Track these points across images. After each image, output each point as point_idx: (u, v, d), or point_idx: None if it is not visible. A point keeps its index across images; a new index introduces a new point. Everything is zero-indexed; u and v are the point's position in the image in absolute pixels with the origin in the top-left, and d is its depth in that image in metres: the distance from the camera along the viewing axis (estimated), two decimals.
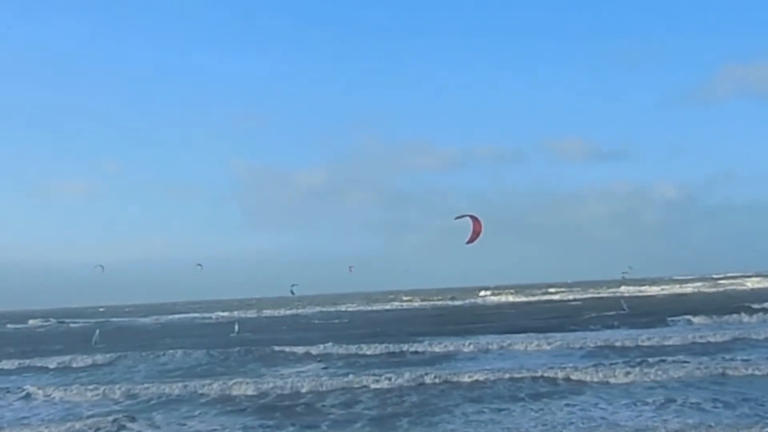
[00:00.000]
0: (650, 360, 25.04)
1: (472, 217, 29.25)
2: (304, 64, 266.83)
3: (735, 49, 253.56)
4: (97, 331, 45.45)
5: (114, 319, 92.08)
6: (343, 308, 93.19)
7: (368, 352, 31.67)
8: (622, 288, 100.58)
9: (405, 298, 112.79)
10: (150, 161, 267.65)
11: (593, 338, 32.71)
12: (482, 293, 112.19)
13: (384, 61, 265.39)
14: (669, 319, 41.61)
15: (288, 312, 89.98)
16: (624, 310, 50.20)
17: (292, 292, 57.56)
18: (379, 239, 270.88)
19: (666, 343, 30.01)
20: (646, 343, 30.10)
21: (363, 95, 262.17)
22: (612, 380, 21.28)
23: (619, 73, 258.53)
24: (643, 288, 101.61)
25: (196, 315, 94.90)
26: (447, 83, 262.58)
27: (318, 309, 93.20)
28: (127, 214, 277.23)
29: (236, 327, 50.06)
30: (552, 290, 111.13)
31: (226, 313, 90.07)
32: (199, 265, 56.07)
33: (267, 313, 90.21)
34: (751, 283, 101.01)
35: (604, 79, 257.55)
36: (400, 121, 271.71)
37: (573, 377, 21.92)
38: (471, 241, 29.12)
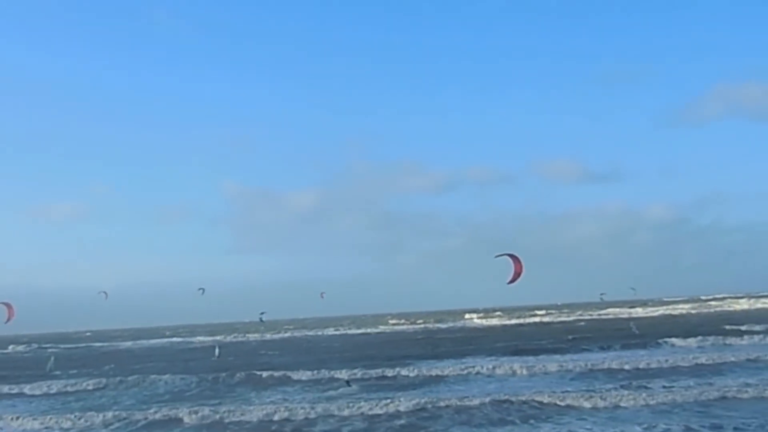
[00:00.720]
0: (638, 382, 25.12)
1: (512, 256, 29.40)
2: (295, 86, 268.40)
3: (725, 68, 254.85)
4: (52, 358, 44.67)
5: (97, 344, 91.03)
6: (331, 332, 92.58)
7: (357, 376, 31.30)
8: (609, 310, 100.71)
9: (392, 322, 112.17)
10: (140, 184, 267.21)
11: (582, 360, 32.63)
12: (468, 316, 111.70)
13: (375, 84, 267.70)
14: (657, 341, 41.55)
15: (275, 336, 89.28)
16: (635, 332, 49.73)
17: (261, 320, 56.79)
18: (370, 261, 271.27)
19: (654, 365, 29.94)
20: (635, 366, 29.97)
21: (354, 117, 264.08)
22: (600, 404, 21.17)
23: (609, 95, 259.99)
24: (632, 309, 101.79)
25: (180, 339, 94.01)
26: (438, 105, 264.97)
27: (306, 333, 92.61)
28: (117, 237, 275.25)
29: (217, 351, 49.54)
30: (541, 312, 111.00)
31: (210, 338, 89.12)
32: (201, 289, 55.53)
33: (253, 337, 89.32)
34: (739, 305, 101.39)
35: (595, 100, 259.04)
36: (391, 143, 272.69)
37: (561, 401, 21.80)
38: (512, 281, 29.29)
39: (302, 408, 22.57)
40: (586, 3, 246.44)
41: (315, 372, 32.70)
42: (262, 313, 55.98)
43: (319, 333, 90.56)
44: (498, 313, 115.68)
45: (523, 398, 22.38)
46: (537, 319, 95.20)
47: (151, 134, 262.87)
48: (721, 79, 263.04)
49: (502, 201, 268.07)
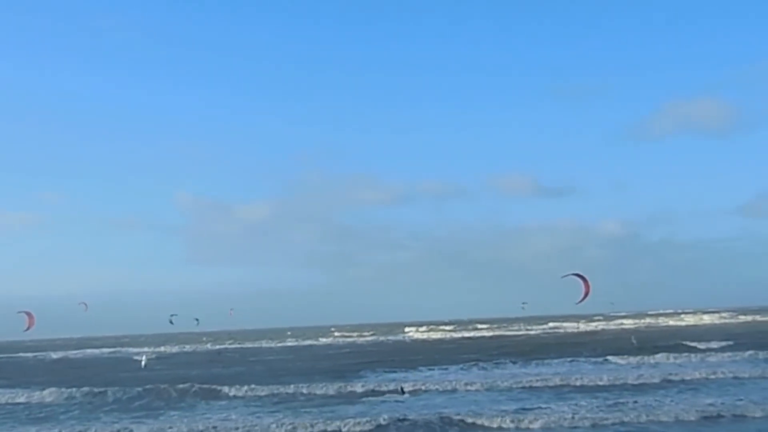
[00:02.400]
0: (577, 399, 24.21)
1: (580, 276, 31.00)
2: (249, 97, 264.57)
3: (676, 85, 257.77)
4: None
5: (24, 354, 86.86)
6: (273, 344, 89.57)
7: (303, 391, 29.64)
8: (551, 324, 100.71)
9: (337, 334, 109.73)
10: (93, 194, 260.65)
11: (522, 376, 31.71)
12: (407, 329, 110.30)
13: (329, 96, 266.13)
14: (598, 358, 39.82)
15: (217, 347, 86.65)
16: (634, 343, 49.00)
17: (171, 322, 55.96)
18: (323, 274, 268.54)
19: (594, 382, 28.81)
20: (579, 382, 28.87)
21: (309, 129, 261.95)
22: (534, 425, 20.20)
23: (563, 110, 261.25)
24: (579, 324, 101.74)
25: (112, 350, 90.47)
26: (393, 118, 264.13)
27: (246, 345, 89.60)
28: (70, 246, 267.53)
29: (143, 362, 48.02)
30: (484, 326, 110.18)
31: (138, 349, 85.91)
32: (197, 319, 54.67)
33: (202, 347, 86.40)
34: (673, 320, 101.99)
35: (549, 115, 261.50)
36: (345, 156, 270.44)
37: (496, 422, 20.77)
38: (581, 301, 31.48)
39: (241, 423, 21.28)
40: (540, 19, 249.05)
41: (256, 386, 30.75)
42: (173, 315, 54.72)
43: (258, 345, 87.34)
44: (445, 326, 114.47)
45: (455, 417, 21.32)
46: (484, 333, 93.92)
47: (105, 145, 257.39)
48: (672, 96, 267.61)
49: (457, 214, 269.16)
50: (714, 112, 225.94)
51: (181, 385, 31.69)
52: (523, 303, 66.18)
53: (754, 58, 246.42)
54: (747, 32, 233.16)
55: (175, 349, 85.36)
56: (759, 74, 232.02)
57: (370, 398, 27.20)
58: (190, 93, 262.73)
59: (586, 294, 31.12)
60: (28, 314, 42.34)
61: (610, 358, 39.46)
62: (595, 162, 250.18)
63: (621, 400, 23.28)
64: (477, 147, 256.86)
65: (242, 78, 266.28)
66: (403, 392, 28.03)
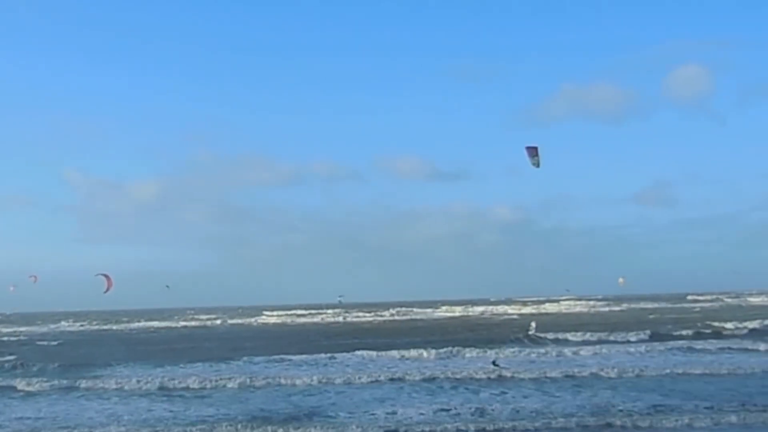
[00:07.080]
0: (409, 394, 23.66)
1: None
2: (138, 74, 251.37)
3: (572, 69, 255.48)
4: None
5: None
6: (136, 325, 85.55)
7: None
8: (417, 309, 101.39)
9: (201, 317, 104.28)
10: None
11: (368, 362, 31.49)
12: (267, 313, 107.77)
13: (220, 74, 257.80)
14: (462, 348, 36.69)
15: (92, 327, 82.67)
16: (534, 329, 45.71)
17: None
18: (214, 255, 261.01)
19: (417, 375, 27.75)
20: (412, 377, 27.67)
21: (199, 108, 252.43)
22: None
23: (459, 92, 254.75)
24: (428, 310, 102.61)
25: None
26: (284, 99, 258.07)
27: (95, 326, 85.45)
28: None
29: None
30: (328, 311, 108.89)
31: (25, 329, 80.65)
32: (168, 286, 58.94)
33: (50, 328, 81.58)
34: (537, 308, 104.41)
35: (444, 97, 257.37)
36: (236, 135, 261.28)
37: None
38: None
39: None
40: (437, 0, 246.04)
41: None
42: None
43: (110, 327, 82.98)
44: (295, 311, 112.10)
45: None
46: (348, 319, 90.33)
47: None
48: (568, 80, 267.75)
49: (349, 197, 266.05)
50: (609, 97, 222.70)
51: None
52: (339, 296, 67.36)
53: (649, 42, 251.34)
54: (642, 16, 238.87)
55: (43, 329, 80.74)
56: (654, 59, 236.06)
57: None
58: (78, 68, 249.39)
59: None
60: (106, 277, 43.51)
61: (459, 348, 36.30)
62: (490, 146, 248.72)
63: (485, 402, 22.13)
64: (370, 129, 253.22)
65: (132, 54, 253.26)
66: (496, 365, 28.49)
